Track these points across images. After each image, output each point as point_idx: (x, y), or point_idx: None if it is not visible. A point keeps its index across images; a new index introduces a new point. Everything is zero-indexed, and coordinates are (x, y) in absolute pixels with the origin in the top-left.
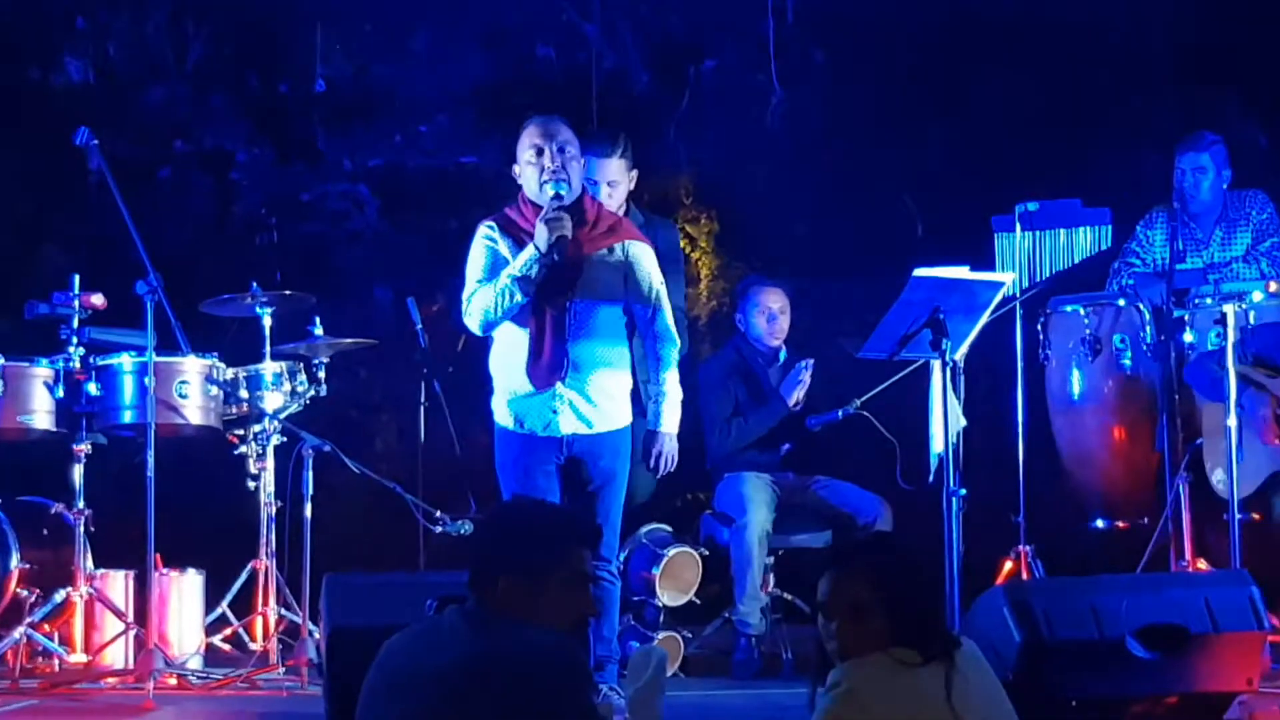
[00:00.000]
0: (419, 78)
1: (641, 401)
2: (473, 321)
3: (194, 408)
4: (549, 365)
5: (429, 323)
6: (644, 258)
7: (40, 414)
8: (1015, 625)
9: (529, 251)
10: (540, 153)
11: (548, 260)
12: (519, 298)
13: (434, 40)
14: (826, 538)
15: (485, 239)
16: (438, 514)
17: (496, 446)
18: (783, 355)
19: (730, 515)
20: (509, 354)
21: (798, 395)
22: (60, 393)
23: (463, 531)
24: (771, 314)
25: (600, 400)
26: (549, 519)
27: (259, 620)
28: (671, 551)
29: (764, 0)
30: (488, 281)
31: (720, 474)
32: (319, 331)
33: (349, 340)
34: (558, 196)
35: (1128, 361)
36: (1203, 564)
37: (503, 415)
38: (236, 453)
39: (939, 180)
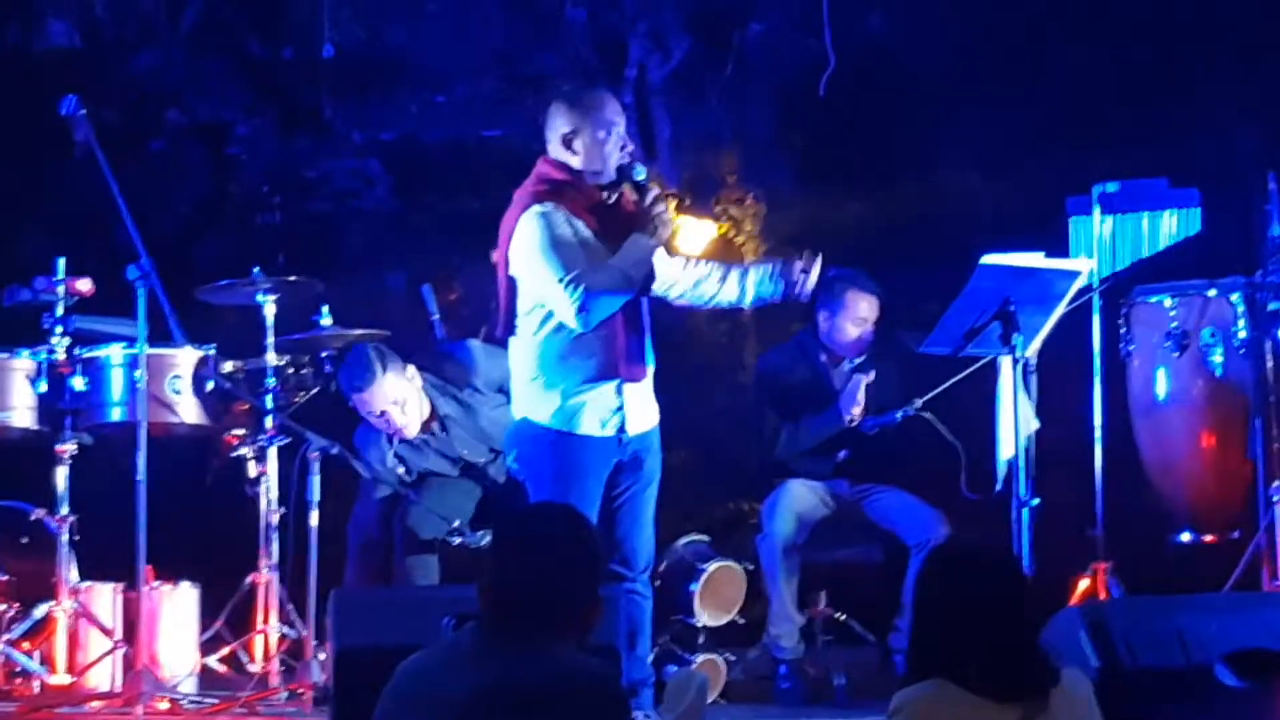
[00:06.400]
0: (436, 42)
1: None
2: (585, 318)
3: (189, 405)
4: (639, 359)
5: (446, 312)
6: None
7: (20, 410)
8: (1092, 650)
9: (645, 243)
10: (616, 132)
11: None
12: (636, 291)
13: (452, 1)
14: (878, 553)
15: (558, 220)
16: (455, 523)
17: (532, 448)
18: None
19: (764, 527)
20: (571, 347)
21: (854, 413)
22: (43, 387)
23: (483, 543)
24: (866, 326)
25: (651, 395)
26: (579, 525)
27: (259, 639)
28: (712, 566)
29: None
30: (585, 267)
31: (770, 480)
32: (326, 321)
33: (359, 331)
34: (644, 184)
35: (1218, 359)
36: None
37: (547, 414)
38: (235, 454)
39: (1009, 157)
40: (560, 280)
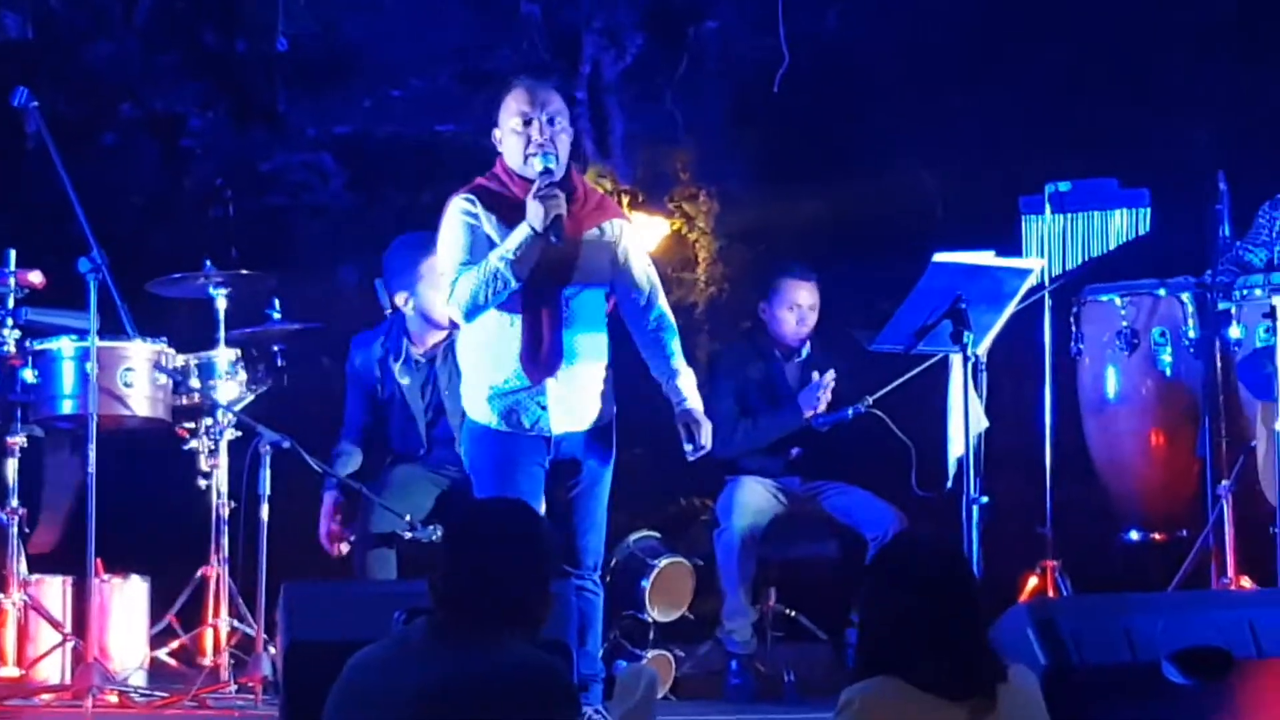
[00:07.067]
0: (390, 37)
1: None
2: (456, 309)
3: (140, 397)
4: (547, 357)
5: (399, 307)
6: (635, 236)
7: None
8: (1040, 648)
9: (523, 231)
10: (527, 122)
11: (544, 241)
12: (512, 282)
13: None
14: (833, 549)
15: (465, 214)
16: (407, 518)
17: (470, 445)
18: (805, 351)
19: (720, 522)
20: (492, 344)
21: (816, 410)
22: None
23: (434, 538)
24: (801, 313)
25: (590, 394)
26: (530, 521)
27: (209, 633)
28: (663, 562)
29: None
30: (473, 262)
31: (723, 477)
32: (278, 315)
33: (311, 325)
34: (547, 171)
35: (1167, 358)
36: (1247, 582)
37: (481, 411)
38: (186, 448)
39: (961, 156)
40: (444, 272)
